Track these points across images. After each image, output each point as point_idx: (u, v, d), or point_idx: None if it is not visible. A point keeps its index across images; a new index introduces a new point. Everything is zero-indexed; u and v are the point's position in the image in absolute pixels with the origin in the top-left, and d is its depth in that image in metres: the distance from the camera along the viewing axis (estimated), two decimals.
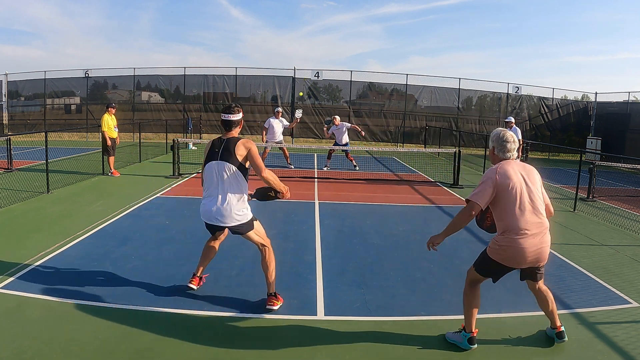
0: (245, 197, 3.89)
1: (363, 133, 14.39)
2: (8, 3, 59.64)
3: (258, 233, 4.02)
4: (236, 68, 21.88)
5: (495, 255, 3.23)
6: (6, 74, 22.17)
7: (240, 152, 3.78)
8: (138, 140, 15.02)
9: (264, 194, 4.08)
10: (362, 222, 7.33)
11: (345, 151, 13.80)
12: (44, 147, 9.26)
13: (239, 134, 4.02)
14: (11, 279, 4.50)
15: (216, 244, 4.37)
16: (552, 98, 22.51)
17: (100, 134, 11.22)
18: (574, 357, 3.50)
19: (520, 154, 11.22)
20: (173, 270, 4.92)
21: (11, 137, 12.17)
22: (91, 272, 4.75)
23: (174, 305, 4.06)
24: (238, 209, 3.79)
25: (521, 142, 11.18)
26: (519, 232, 3.11)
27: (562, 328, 3.59)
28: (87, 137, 21.67)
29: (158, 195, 8.89)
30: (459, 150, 11.63)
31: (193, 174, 11.53)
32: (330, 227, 6.93)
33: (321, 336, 3.64)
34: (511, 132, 3.39)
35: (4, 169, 11.06)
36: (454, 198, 9.83)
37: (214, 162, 3.80)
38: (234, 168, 3.75)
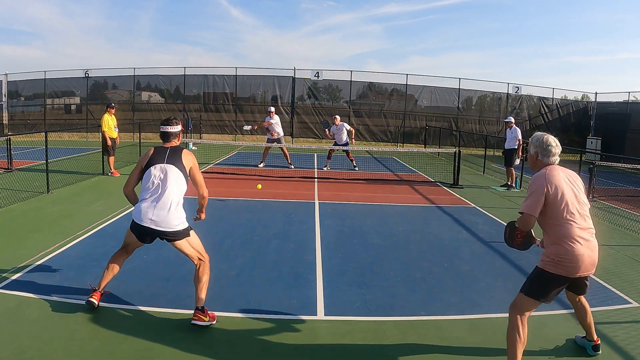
0: (182, 203, 3.82)
1: (353, 141, 14.21)
2: (8, 3, 59.68)
3: (193, 244, 3.85)
4: (236, 68, 21.92)
5: (554, 268, 3.02)
6: (6, 74, 22.18)
7: (186, 161, 3.86)
8: (138, 140, 15.02)
9: None
10: (362, 222, 7.33)
11: (346, 151, 13.80)
12: (44, 147, 9.26)
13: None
14: (11, 279, 4.50)
15: (123, 260, 4.06)
16: (552, 98, 22.51)
17: (100, 134, 11.22)
18: (574, 357, 3.49)
19: (521, 154, 11.21)
20: (173, 270, 4.92)
21: (11, 137, 12.16)
22: (91, 272, 4.75)
23: (174, 305, 4.05)
24: (176, 214, 3.71)
25: (521, 142, 11.19)
26: (573, 238, 2.98)
27: (599, 341, 3.51)
28: (87, 137, 21.67)
29: None
30: (459, 150, 11.64)
31: None
32: (330, 227, 6.93)
33: (321, 336, 3.64)
34: (553, 137, 3.23)
35: (4, 169, 11.06)
36: (454, 198, 9.83)
37: (159, 164, 3.78)
38: (179, 173, 3.79)
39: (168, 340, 3.48)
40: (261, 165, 13.38)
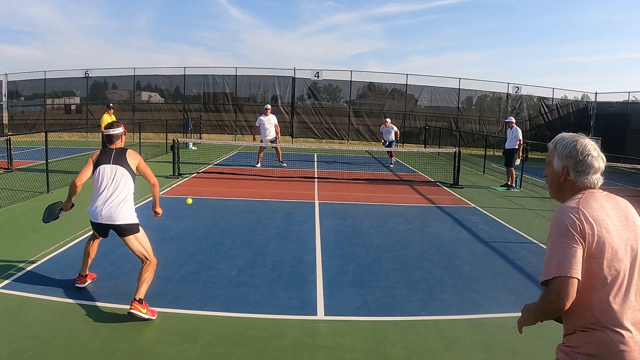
0: (132, 199, 4.15)
1: (398, 139, 15.62)
2: (7, 3, 59.74)
3: (140, 242, 4.08)
4: (236, 68, 21.91)
5: None
6: (6, 74, 22.19)
7: (132, 160, 4.18)
8: (138, 140, 15.03)
9: (52, 211, 4.39)
10: (362, 222, 7.33)
11: (389, 150, 14.82)
12: (44, 147, 9.26)
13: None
14: (11, 279, 4.51)
15: (96, 244, 4.53)
16: (552, 98, 22.52)
17: (100, 134, 11.22)
18: None
19: (521, 154, 11.20)
20: (173, 270, 4.92)
21: (11, 137, 12.16)
22: (91, 272, 4.75)
23: (174, 305, 4.06)
24: (125, 210, 4.01)
25: (521, 142, 11.18)
26: (619, 323, 1.66)
27: None
28: (87, 137, 21.67)
29: None
30: (459, 150, 11.63)
31: (193, 173, 11.53)
32: (330, 227, 6.93)
33: (321, 336, 3.65)
34: (591, 141, 1.89)
35: (4, 169, 11.06)
36: (454, 198, 9.83)
37: (107, 165, 4.10)
38: (126, 172, 4.11)
39: (168, 340, 3.48)
40: (258, 165, 13.38)
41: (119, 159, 4.14)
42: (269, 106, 13.35)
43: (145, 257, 4.05)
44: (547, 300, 1.67)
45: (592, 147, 1.84)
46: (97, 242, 4.52)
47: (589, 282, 1.68)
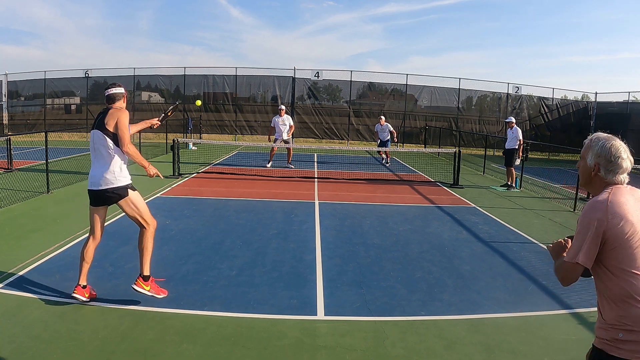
0: (121, 164, 3.93)
1: (396, 140, 16.03)
2: (7, 3, 59.72)
3: (133, 205, 3.92)
4: (236, 68, 21.92)
5: (618, 349, 1.93)
6: (6, 74, 22.19)
7: (110, 122, 3.85)
8: (138, 140, 15.03)
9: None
10: (362, 222, 7.33)
11: (385, 148, 15.05)
12: (44, 147, 9.26)
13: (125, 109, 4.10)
14: (11, 278, 4.50)
15: (94, 247, 4.09)
16: (552, 98, 22.52)
17: None
18: (574, 357, 3.49)
19: (521, 154, 11.20)
20: (173, 270, 4.92)
21: (11, 137, 12.16)
22: (91, 272, 4.73)
23: (174, 305, 4.05)
24: (108, 174, 3.85)
25: (522, 142, 11.18)
26: None
27: None
28: (87, 137, 21.62)
29: (158, 195, 8.89)
30: (459, 150, 11.63)
31: (193, 174, 11.53)
32: (330, 227, 6.93)
33: (321, 336, 3.65)
34: (622, 143, 2.17)
35: (4, 169, 11.06)
36: (454, 198, 9.83)
37: (92, 131, 3.96)
38: (102, 135, 3.84)
39: (168, 340, 3.48)
40: (269, 165, 13.37)
41: (101, 121, 3.89)
42: (283, 107, 13.44)
43: (141, 222, 3.96)
44: (558, 273, 2.08)
45: (623, 150, 2.10)
46: (93, 245, 4.09)
47: (622, 263, 1.93)
